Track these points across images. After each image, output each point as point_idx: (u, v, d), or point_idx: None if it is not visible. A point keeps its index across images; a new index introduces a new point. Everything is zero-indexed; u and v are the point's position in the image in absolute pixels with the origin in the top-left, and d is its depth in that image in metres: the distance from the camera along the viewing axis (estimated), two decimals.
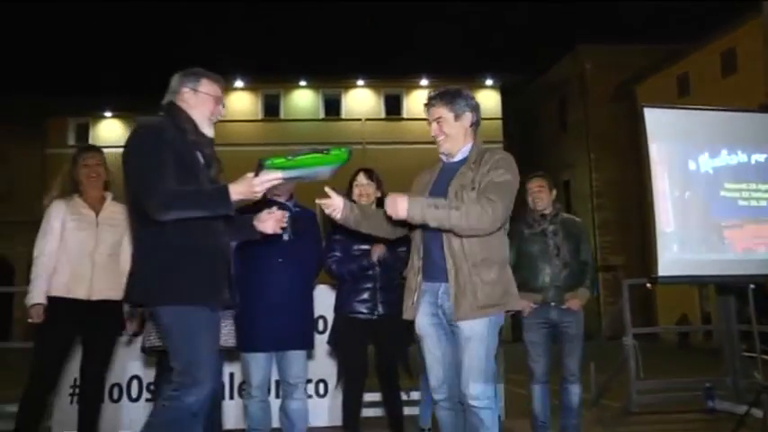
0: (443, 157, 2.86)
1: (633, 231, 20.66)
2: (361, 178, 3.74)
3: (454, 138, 2.77)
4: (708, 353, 10.93)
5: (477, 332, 2.60)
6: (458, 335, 2.63)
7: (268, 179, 2.42)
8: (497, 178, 2.65)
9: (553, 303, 4.08)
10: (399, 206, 2.57)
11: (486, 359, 2.59)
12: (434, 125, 2.79)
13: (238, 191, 2.40)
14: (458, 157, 2.80)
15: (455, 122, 2.77)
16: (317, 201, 2.78)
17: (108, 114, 23.09)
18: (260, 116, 23.32)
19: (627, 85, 20.90)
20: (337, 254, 3.59)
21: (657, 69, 19.82)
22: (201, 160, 2.53)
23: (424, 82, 23.27)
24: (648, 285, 6.37)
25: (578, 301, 4.09)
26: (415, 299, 2.73)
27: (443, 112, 2.76)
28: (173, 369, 2.33)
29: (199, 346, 2.34)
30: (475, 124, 2.82)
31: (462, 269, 2.62)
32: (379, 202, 3.73)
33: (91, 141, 22.15)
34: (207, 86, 2.60)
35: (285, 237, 3.43)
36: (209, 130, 2.61)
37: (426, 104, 2.80)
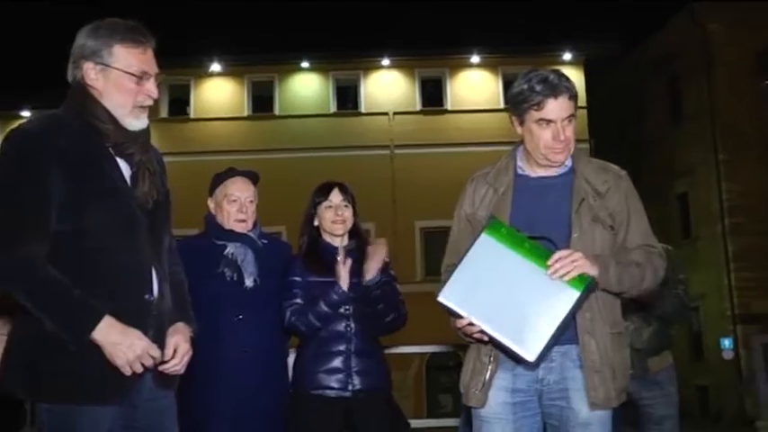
0: (522, 168, 2.86)
1: None
2: (336, 196, 3.74)
3: (573, 144, 2.80)
4: None
5: (600, 418, 2.72)
6: (564, 420, 2.73)
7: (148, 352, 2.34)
8: (641, 213, 2.84)
9: (630, 372, 4.07)
10: (589, 263, 2.59)
11: None
12: (568, 127, 2.75)
13: (112, 338, 2.29)
14: (557, 171, 2.84)
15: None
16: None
17: (25, 114, 23.06)
18: (246, 112, 23.77)
19: None
20: (298, 300, 3.60)
21: None
22: (127, 171, 2.48)
23: (475, 59, 23.46)
24: None
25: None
26: (488, 376, 2.75)
27: (573, 107, 2.77)
28: None
29: None
30: None
31: (602, 335, 2.72)
32: (352, 234, 3.76)
33: None
34: (123, 56, 2.46)
35: (247, 282, 3.49)
36: (136, 121, 2.50)
37: (567, 93, 2.73)
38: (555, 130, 2.72)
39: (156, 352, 2.38)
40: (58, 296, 2.30)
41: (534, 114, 2.73)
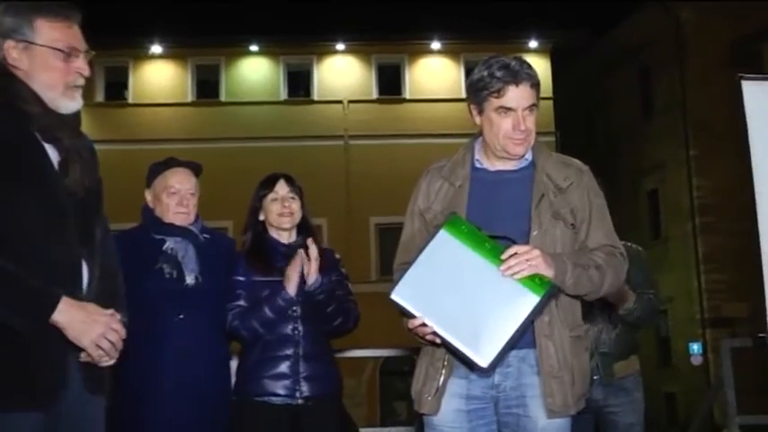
0: (479, 161, 2.89)
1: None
2: (282, 187, 3.75)
3: (533, 135, 2.82)
4: None
5: (558, 426, 2.74)
6: (521, 429, 2.74)
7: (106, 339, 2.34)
8: (604, 211, 2.87)
9: (596, 377, 4.10)
10: (545, 263, 2.59)
11: None
12: (529, 117, 2.78)
13: (75, 317, 2.29)
14: (516, 164, 2.87)
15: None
16: None
17: None
18: (189, 98, 23.59)
19: (748, 43, 20.93)
20: (241, 302, 3.61)
21: None
22: (55, 157, 2.44)
23: (435, 45, 23.56)
24: None
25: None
26: (441, 382, 2.77)
27: (536, 97, 2.80)
28: None
29: None
30: None
31: (561, 339, 2.73)
32: (300, 228, 3.76)
33: None
34: (47, 31, 2.41)
35: (188, 279, 3.49)
36: (71, 102, 2.48)
37: (529, 81, 2.76)
38: (515, 119, 2.74)
39: (117, 324, 2.37)
40: (8, 281, 2.26)
41: (494, 102, 2.74)
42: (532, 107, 2.77)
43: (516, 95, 2.73)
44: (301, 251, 3.59)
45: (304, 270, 3.57)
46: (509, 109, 2.73)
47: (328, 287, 3.63)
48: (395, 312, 2.72)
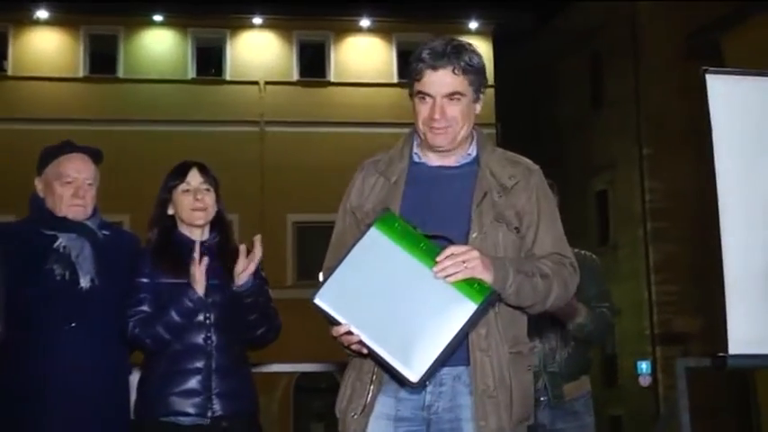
0: (418, 155, 2.92)
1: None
2: (195, 177, 3.70)
3: (459, 128, 2.84)
4: None
5: None
6: None
7: None
8: (555, 216, 2.92)
9: (543, 398, 4.18)
10: (483, 266, 2.59)
11: None
12: (450, 105, 2.82)
13: None
14: (458, 160, 2.90)
15: (473, 104, 2.87)
16: None
17: None
18: (81, 72, 23.27)
19: (706, 34, 21.33)
20: (144, 308, 3.56)
21: (761, 10, 19.50)
22: None
23: (365, 23, 23.64)
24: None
25: None
26: (369, 399, 2.78)
27: (464, 85, 2.82)
28: None
29: None
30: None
31: (499, 355, 2.74)
32: (214, 225, 3.73)
33: None
34: None
35: (83, 282, 3.44)
36: None
37: (450, 66, 2.79)
38: (432, 106, 2.79)
39: None
40: None
41: (416, 86, 2.82)
42: (455, 95, 2.80)
43: (433, 80, 2.78)
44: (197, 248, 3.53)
45: (237, 267, 3.51)
46: (427, 94, 2.79)
47: (256, 290, 3.58)
48: (314, 323, 2.72)
